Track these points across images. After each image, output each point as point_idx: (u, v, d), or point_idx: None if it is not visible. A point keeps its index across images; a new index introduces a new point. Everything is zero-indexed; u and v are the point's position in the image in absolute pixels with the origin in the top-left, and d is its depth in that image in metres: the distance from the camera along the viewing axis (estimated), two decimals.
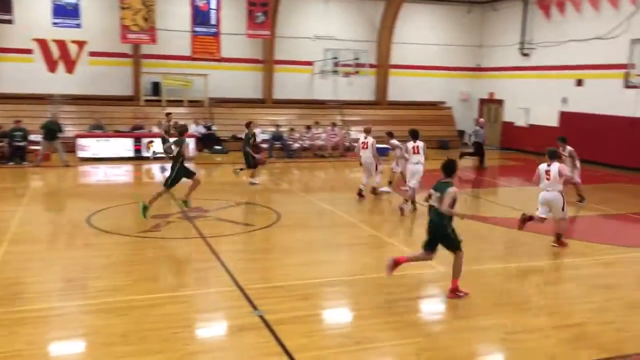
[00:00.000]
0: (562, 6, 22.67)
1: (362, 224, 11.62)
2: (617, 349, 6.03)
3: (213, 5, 22.76)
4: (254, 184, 15.56)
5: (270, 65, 24.59)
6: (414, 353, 5.86)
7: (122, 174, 18.23)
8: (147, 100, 23.17)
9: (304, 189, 16.44)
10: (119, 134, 20.59)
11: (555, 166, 9.60)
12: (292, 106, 25.05)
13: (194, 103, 23.65)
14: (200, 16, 22.66)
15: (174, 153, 11.37)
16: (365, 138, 13.94)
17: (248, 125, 15.91)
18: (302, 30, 25.00)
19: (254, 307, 6.81)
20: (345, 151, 22.47)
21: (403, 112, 26.08)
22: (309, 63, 25.17)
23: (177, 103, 23.38)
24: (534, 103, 24.44)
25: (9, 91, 21.47)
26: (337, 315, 7.08)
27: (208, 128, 22.47)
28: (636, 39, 17.81)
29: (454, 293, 7.36)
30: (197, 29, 22.74)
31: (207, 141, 22.18)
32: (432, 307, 7.37)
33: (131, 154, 19.97)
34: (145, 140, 20.17)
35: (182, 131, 11.76)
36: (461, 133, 27.31)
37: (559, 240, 9.92)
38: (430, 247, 7.46)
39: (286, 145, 21.67)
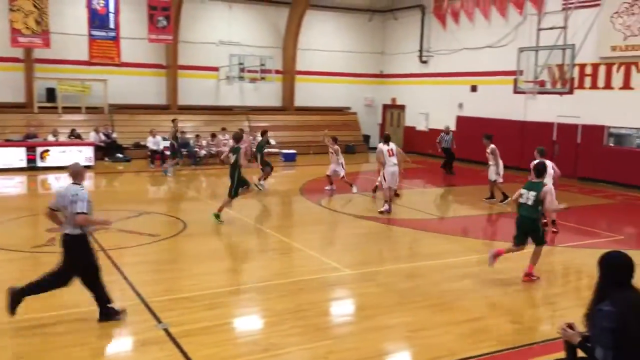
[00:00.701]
0: (457, 16, 23.86)
1: (271, 230, 11.61)
2: (513, 341, 6.40)
3: (112, 8, 21.92)
4: (261, 187, 16.06)
5: (174, 71, 24.02)
6: (322, 356, 5.92)
7: (14, 185, 17.12)
8: (41, 107, 21.89)
9: (212, 197, 16.17)
10: (10, 143, 19.32)
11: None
12: (198, 112, 24.61)
13: (92, 110, 22.63)
14: (97, 19, 21.75)
15: (232, 161, 11.42)
16: (388, 145, 13.65)
17: (264, 133, 17.33)
18: (206, 36, 24.65)
19: (158, 320, 6.61)
20: (253, 157, 22.31)
21: (310, 118, 26.39)
22: (215, 69, 24.87)
23: (75, 110, 22.28)
24: (433, 108, 25.50)
25: None
26: (245, 323, 7.02)
27: (108, 136, 21.59)
28: (523, 48, 19.05)
29: (529, 277, 8.39)
30: (95, 32, 21.81)
31: (108, 149, 21.31)
32: (339, 309, 7.49)
33: (24, 164, 18.79)
34: (39, 150, 19.05)
35: (238, 138, 12.13)
36: (366, 138, 27.99)
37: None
38: (521, 241, 8.41)
39: (192, 152, 21.24)
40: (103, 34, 21.92)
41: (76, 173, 6.53)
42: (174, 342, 6.05)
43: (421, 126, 26.31)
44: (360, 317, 7.10)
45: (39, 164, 18.93)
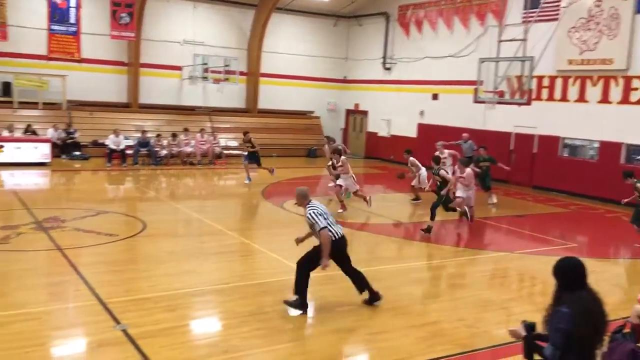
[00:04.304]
0: (420, 25, 24.23)
1: (231, 231, 11.55)
2: (469, 344, 6.54)
3: (72, 3, 21.46)
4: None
5: (136, 69, 23.64)
6: (283, 358, 5.93)
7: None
8: None
9: (172, 197, 15.99)
10: None
11: None
12: (160, 111, 24.29)
13: (49, 105, 22.07)
14: (58, 13, 21.26)
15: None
16: (442, 153, 15.01)
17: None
18: (170, 34, 24.37)
19: (116, 321, 6.50)
20: (216, 158, 22.20)
21: (273, 120, 26.35)
22: (178, 68, 24.59)
23: (31, 105, 21.69)
24: (395, 115, 25.81)
25: None
26: (205, 325, 6.98)
27: (69, 133, 21.07)
28: (484, 58, 19.47)
29: None
30: (55, 27, 21.32)
31: (65, 147, 20.81)
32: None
33: None
34: None
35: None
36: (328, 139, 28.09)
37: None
38: None
39: (153, 152, 20.93)
40: (63, 28, 21.45)
41: None
42: (133, 343, 5.96)
43: (383, 132, 26.59)
44: (321, 319, 7.14)
45: None
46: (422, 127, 24.17)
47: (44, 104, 21.92)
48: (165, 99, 24.65)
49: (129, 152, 20.38)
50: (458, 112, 22.04)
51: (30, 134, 20.26)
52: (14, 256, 9.00)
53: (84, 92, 22.69)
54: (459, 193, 12.81)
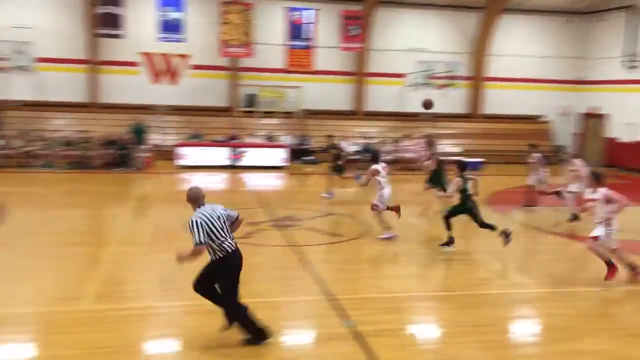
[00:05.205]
0: None
1: (456, 239, 11.39)
2: None
3: (307, 19, 23.26)
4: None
5: (361, 78, 24.78)
6: None
7: (217, 182, 18.95)
8: (242, 112, 24.03)
9: (394, 202, 16.32)
10: (215, 143, 21.44)
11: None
12: (383, 118, 25.06)
13: (286, 114, 24.25)
14: (295, 30, 23.24)
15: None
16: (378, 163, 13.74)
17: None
18: (395, 43, 24.98)
19: (344, 318, 6.87)
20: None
21: (496, 126, 25.37)
22: (401, 75, 25.10)
23: (271, 114, 24.08)
24: None
25: (115, 101, 23.03)
26: (426, 330, 7.00)
27: (303, 140, 22.90)
28: None
29: None
30: (292, 42, 23.33)
31: (299, 152, 22.65)
32: (524, 328, 7.11)
33: (227, 162, 20.72)
34: (239, 150, 20.89)
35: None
36: (559, 148, 26.13)
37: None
38: None
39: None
40: (299, 43, 23.35)
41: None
42: (360, 340, 6.24)
43: (627, 137, 23.84)
44: (548, 338, 6.68)
45: (238, 163, 20.75)
46: None
47: (282, 113, 24.17)
48: (388, 106, 25.35)
49: (354, 157, 21.38)
50: None
51: (270, 140, 22.49)
52: (256, 250, 10.04)
53: (316, 102, 24.44)
54: None
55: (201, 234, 5.68)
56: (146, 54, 22.55)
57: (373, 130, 24.04)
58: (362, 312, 7.08)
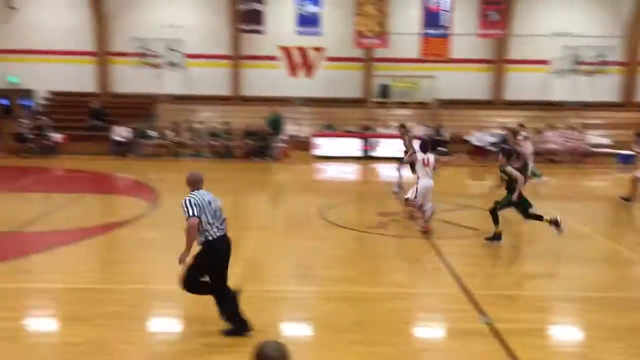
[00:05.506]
0: None
1: (601, 236, 10.59)
2: None
3: (445, 6, 22.69)
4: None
5: (501, 65, 23.74)
6: None
7: (351, 172, 19.19)
8: (375, 102, 24.07)
9: (533, 196, 15.50)
10: (349, 134, 21.70)
11: None
12: (524, 107, 23.82)
13: (420, 105, 23.90)
14: (431, 18, 22.78)
15: None
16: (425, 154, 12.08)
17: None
18: (538, 28, 23.62)
19: (481, 313, 6.65)
20: (583, 157, 20.68)
21: None
22: (544, 62, 23.67)
23: (404, 105, 23.86)
24: None
25: (254, 94, 24.09)
26: (571, 332, 6.57)
27: (438, 132, 22.42)
28: None
29: None
30: (428, 30, 22.89)
31: (433, 143, 22.18)
32: None
33: (359, 153, 20.90)
34: (372, 141, 20.97)
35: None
36: None
37: None
38: None
39: (515, 149, 20.63)
40: (435, 31, 22.85)
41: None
42: (498, 337, 6.01)
43: None
44: None
45: (371, 153, 20.83)
46: None
47: (415, 103, 23.85)
48: (530, 95, 24.06)
49: (491, 148, 20.59)
50: None
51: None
52: (390, 241, 10.04)
53: (450, 91, 23.82)
54: None
55: (194, 209, 5.75)
56: (284, 48, 23.34)
57: (512, 120, 22.91)
58: (499, 309, 6.80)
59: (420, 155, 10.71)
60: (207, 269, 5.94)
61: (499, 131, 21.44)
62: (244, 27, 22.72)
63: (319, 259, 8.90)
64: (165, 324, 6.56)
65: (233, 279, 7.65)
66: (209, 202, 5.93)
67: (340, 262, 8.82)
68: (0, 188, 14.67)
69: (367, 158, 20.73)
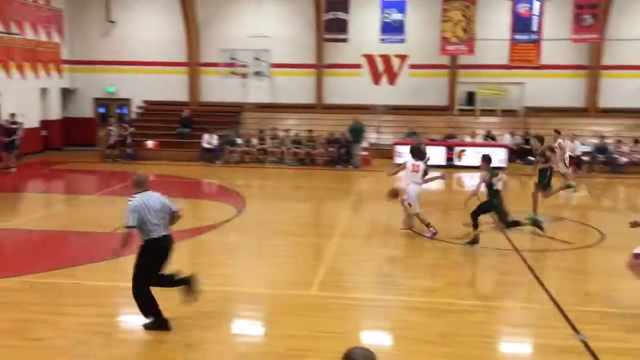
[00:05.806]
0: None
1: None
2: None
3: (535, 11, 21.88)
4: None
5: (595, 71, 22.57)
6: None
7: (434, 181, 18.77)
8: (460, 110, 23.54)
9: (631, 208, 14.61)
10: (432, 142, 21.32)
11: None
12: (621, 115, 22.50)
13: (507, 112, 23.14)
14: (520, 23, 22.03)
15: None
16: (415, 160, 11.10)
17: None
18: (635, 31, 22.27)
19: (575, 331, 6.29)
20: None
21: None
22: None
23: (491, 113, 23.19)
24: None
25: (337, 102, 24.19)
26: None
27: (527, 140, 21.61)
28: None
29: None
30: (517, 36, 22.14)
31: (521, 152, 21.42)
32: None
33: (443, 162, 20.47)
34: (457, 149, 20.50)
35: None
36: None
37: None
38: None
39: (611, 158, 19.57)
40: (525, 37, 22.06)
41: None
42: (594, 357, 5.66)
43: None
44: None
45: (456, 162, 20.36)
46: None
47: (502, 111, 23.11)
48: (627, 102, 22.70)
49: (585, 158, 19.62)
50: None
51: (490, 139, 21.63)
52: (478, 252, 9.72)
53: (540, 99, 22.90)
54: None
55: (133, 217, 5.90)
56: (368, 56, 23.34)
57: (608, 128, 21.74)
58: (593, 327, 6.41)
59: (410, 162, 10.79)
60: (151, 266, 6.13)
61: (594, 140, 20.40)
62: (328, 36, 22.90)
63: (401, 268, 8.78)
64: (251, 326, 6.67)
65: (315, 287, 7.69)
66: (154, 206, 6.07)
67: (423, 271, 8.65)
68: (94, 191, 15.55)
69: (451, 167, 20.27)
